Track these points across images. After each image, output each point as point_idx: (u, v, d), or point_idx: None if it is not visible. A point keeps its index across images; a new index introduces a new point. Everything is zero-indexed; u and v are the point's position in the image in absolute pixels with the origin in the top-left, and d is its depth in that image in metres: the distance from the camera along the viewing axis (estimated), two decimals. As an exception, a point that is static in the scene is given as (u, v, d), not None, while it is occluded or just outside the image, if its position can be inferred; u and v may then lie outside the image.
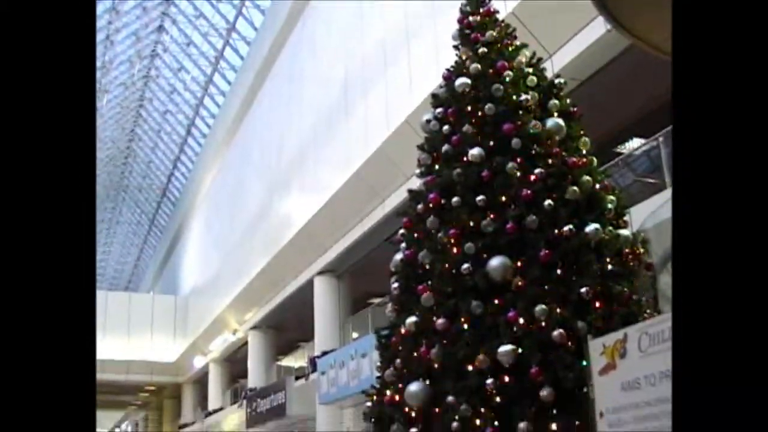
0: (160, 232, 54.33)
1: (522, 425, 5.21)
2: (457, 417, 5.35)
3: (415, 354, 5.81)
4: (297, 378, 23.89)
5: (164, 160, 47.51)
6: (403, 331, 6.00)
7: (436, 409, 5.55)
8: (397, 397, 5.86)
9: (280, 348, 29.74)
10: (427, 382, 5.64)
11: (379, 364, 6.40)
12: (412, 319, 5.90)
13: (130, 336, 41.95)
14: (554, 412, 5.27)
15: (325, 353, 20.65)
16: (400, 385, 5.81)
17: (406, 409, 5.74)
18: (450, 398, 5.45)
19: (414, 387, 5.61)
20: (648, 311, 5.46)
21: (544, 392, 5.27)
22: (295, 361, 28.50)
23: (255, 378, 29.15)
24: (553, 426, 5.22)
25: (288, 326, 27.68)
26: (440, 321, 5.67)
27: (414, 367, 5.79)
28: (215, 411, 35.60)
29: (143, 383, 45.64)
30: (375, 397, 6.26)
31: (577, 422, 5.13)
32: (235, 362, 35.26)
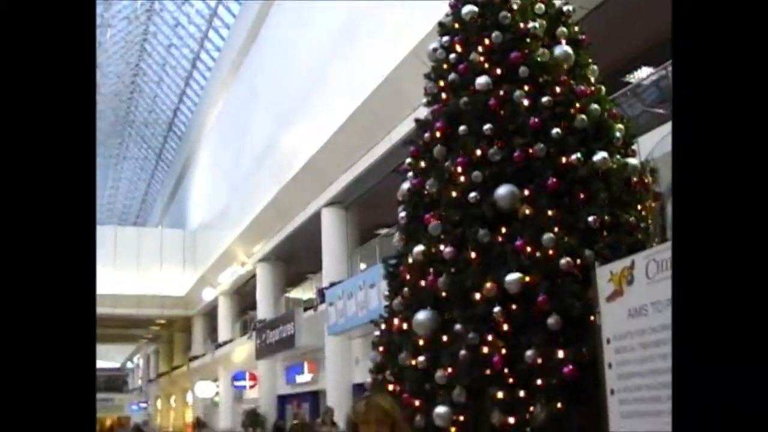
0: (167, 166, 54.31)
1: (529, 353, 5.26)
2: (464, 345, 5.40)
3: (423, 283, 5.83)
4: (306, 309, 24.08)
5: (170, 95, 47.19)
6: (410, 260, 6.02)
7: (444, 338, 5.59)
8: (404, 326, 5.90)
9: (288, 280, 29.95)
10: (435, 310, 5.67)
11: (386, 293, 6.43)
12: (419, 248, 5.91)
13: (139, 270, 42.24)
14: (561, 339, 5.33)
15: (333, 284, 20.78)
16: (408, 314, 5.85)
17: (414, 338, 5.79)
18: (457, 326, 5.50)
19: (421, 315, 5.65)
20: (656, 240, 5.46)
21: (551, 320, 5.30)
22: (303, 292, 28.69)
23: (264, 310, 29.41)
24: (560, 353, 5.27)
25: (296, 258, 27.82)
26: (447, 249, 5.69)
27: (421, 295, 5.82)
28: (225, 343, 36.02)
29: (154, 317, 46.15)
30: (383, 326, 6.31)
31: (583, 349, 5.18)
32: (244, 294, 35.56)
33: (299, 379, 26.04)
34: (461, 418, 5.34)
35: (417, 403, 5.56)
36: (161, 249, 44.33)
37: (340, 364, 20.01)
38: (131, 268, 41.85)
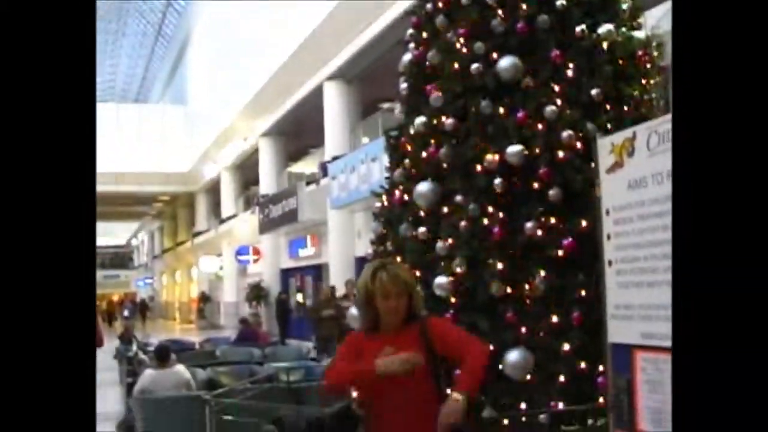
0: (167, 42, 53.49)
1: (529, 225, 5.31)
2: (464, 216, 5.45)
3: (424, 154, 5.83)
4: (308, 183, 24.23)
5: (167, -34, 46.09)
6: (411, 131, 6.00)
7: (444, 209, 5.63)
8: (405, 198, 5.94)
9: (291, 154, 30.01)
10: (436, 182, 5.69)
11: (388, 165, 6.45)
12: (420, 119, 5.89)
13: (142, 148, 42.25)
14: (561, 212, 5.37)
15: (335, 158, 20.84)
16: (409, 186, 5.88)
17: (415, 209, 5.84)
18: (458, 198, 5.53)
19: (422, 187, 5.68)
20: (660, 114, 5.43)
21: (551, 193, 5.33)
22: (306, 166, 28.79)
23: (267, 185, 29.59)
24: (560, 226, 5.32)
25: (299, 132, 27.79)
26: (449, 121, 5.67)
27: (422, 167, 5.83)
28: (228, 218, 36.39)
29: (157, 193, 46.45)
30: (384, 198, 6.35)
31: (583, 222, 5.24)
32: (246, 170, 35.69)
33: (302, 252, 26.43)
34: (461, 288, 5.44)
35: (417, 273, 5.64)
36: (163, 125, 44.22)
37: (343, 237, 20.26)
38: (134, 146, 41.86)
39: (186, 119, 43.93)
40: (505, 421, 5.16)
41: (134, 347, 11.20)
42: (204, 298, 41.37)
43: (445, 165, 5.70)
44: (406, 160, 6.04)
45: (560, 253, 5.29)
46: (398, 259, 5.81)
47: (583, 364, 5.22)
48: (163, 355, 8.86)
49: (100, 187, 40.55)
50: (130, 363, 9.63)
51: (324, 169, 22.42)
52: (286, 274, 29.24)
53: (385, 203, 6.31)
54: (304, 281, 27.32)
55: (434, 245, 5.58)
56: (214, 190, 41.69)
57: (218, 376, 10.06)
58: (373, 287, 3.63)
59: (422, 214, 5.79)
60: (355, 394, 4.77)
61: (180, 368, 8.85)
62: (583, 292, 5.22)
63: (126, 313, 38.91)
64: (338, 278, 19.23)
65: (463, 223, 5.45)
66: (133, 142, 42.24)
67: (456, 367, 3.78)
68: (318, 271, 25.20)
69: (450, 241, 5.50)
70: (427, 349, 3.53)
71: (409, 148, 6.05)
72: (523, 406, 5.23)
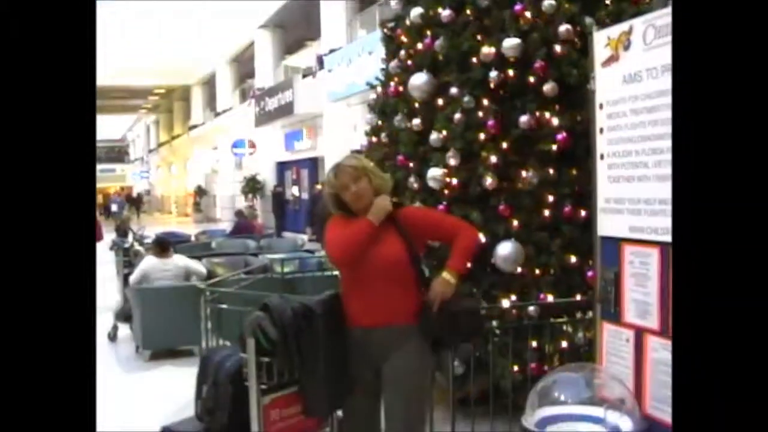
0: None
1: (523, 118, 5.31)
2: (459, 108, 5.44)
3: (420, 45, 5.77)
4: (304, 76, 23.98)
5: None
6: (408, 23, 5.93)
7: (439, 101, 5.62)
8: (401, 89, 5.91)
9: (287, 47, 29.59)
10: (431, 73, 5.65)
11: (384, 57, 6.39)
12: (417, 10, 5.80)
13: (137, 41, 41.45)
14: (556, 106, 5.36)
15: (332, 51, 20.58)
16: (405, 77, 5.84)
17: (410, 101, 5.82)
18: (453, 90, 5.51)
19: (417, 78, 5.64)
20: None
21: (547, 87, 5.32)
22: (302, 59, 28.40)
23: (263, 77, 29.29)
24: (555, 120, 5.32)
25: (295, 25, 27.31)
26: (446, 12, 5.59)
27: (418, 58, 5.78)
28: (224, 111, 36.13)
29: (152, 87, 45.90)
30: (379, 90, 6.31)
31: (578, 117, 5.23)
32: (242, 62, 35.24)
33: (298, 145, 26.35)
34: (454, 180, 5.47)
35: (411, 165, 5.67)
36: (159, 19, 43.31)
37: (339, 130, 20.16)
38: (128, 38, 41.11)
39: (182, 12, 43.12)
40: (495, 313, 5.27)
41: (130, 239, 11.28)
42: (200, 192, 41.44)
43: (440, 57, 5.65)
44: (402, 52, 5.99)
45: (554, 147, 5.31)
46: (392, 150, 5.83)
47: (573, 258, 5.31)
48: (164, 246, 8.97)
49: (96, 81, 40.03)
50: (126, 254, 9.72)
51: (320, 61, 22.16)
52: (281, 167, 29.20)
53: (380, 94, 6.28)
54: (300, 174, 27.32)
55: (428, 137, 5.59)
56: (209, 83, 41.22)
57: (214, 267, 10.17)
58: (333, 188, 3.71)
59: (417, 105, 5.77)
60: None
61: (179, 257, 8.97)
62: (576, 187, 5.28)
63: (114, 207, 36.98)
64: (334, 172, 19.20)
65: (457, 116, 5.44)
66: (127, 35, 41.49)
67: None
68: (314, 164, 25.19)
69: (444, 133, 5.51)
70: (402, 236, 3.58)
71: (405, 39, 5.99)
72: (513, 298, 5.34)
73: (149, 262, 8.57)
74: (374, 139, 6.20)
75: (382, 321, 3.55)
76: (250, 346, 3.71)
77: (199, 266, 9.08)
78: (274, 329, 3.59)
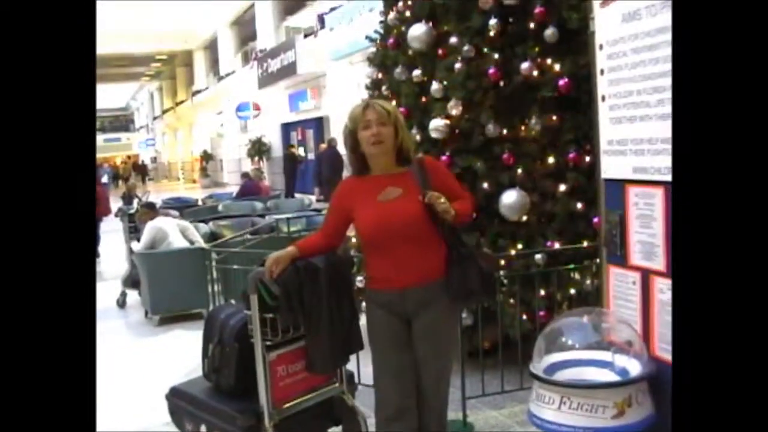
0: None
1: (524, 65, 5.23)
2: (459, 58, 5.36)
3: (418, -5, 5.69)
4: (306, 36, 23.83)
5: None
6: (405, -28, 5.84)
7: (439, 51, 5.54)
8: (400, 41, 5.82)
9: (288, 7, 29.34)
10: (430, 23, 5.57)
11: (382, 10, 6.29)
12: (414, -40, 5.71)
13: (136, 6, 41.16)
14: (557, 52, 5.28)
15: (333, 10, 20.41)
16: (404, 28, 5.75)
17: (410, 52, 5.73)
18: (453, 39, 5.43)
19: (417, 29, 5.55)
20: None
21: (547, 32, 5.23)
22: (303, 20, 28.15)
23: (264, 39, 29.13)
24: (556, 66, 5.24)
25: (294, -16, 27.08)
26: (442, -39, 5.50)
27: (417, 9, 5.69)
28: (227, 75, 35.98)
29: (154, 53, 45.69)
30: (378, 42, 6.23)
31: (579, 62, 5.15)
32: (243, 25, 35.04)
33: (302, 106, 26.27)
34: (456, 130, 5.41)
35: (413, 116, 5.60)
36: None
37: (343, 89, 20.04)
38: (127, 4, 40.80)
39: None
40: (502, 262, 5.24)
41: (135, 205, 11.28)
42: (206, 157, 41.41)
43: (439, 6, 5.56)
44: (400, 3, 5.89)
45: (556, 93, 5.24)
46: (393, 102, 5.76)
47: (579, 205, 5.26)
48: (151, 206, 9.09)
49: (97, 49, 39.84)
50: (131, 220, 9.71)
51: (321, 21, 22.02)
52: (287, 128, 29.13)
53: (380, 47, 6.20)
54: (305, 134, 27.24)
55: (429, 88, 5.52)
56: (212, 47, 41.06)
57: (220, 229, 10.19)
58: (353, 122, 3.52)
59: (417, 56, 5.69)
60: (354, 239, 4.84)
61: (169, 218, 8.99)
62: (580, 133, 5.21)
63: (104, 179, 34.14)
64: (339, 130, 19.13)
65: (457, 65, 5.36)
66: (126, 1, 41.25)
67: None
68: (319, 124, 25.11)
69: (445, 83, 5.43)
70: (425, 187, 3.45)
71: (403, -12, 5.88)
72: (519, 246, 5.31)
73: (153, 226, 8.55)
74: (375, 92, 6.12)
75: (411, 282, 3.48)
76: (253, 302, 3.69)
77: (184, 221, 9.20)
78: (276, 284, 3.56)
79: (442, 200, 3.39)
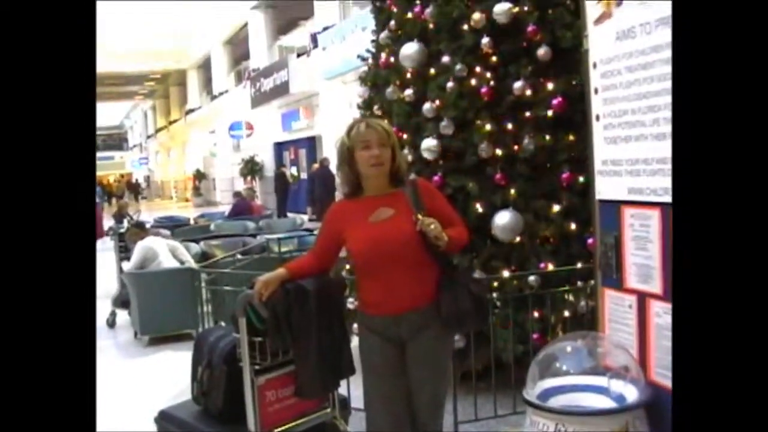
0: None
1: (517, 84, 5.19)
2: (452, 77, 5.31)
3: (410, 14, 5.64)
4: (299, 55, 23.87)
5: None
6: (397, -9, 5.80)
7: (431, 70, 5.49)
8: (392, 60, 5.78)
9: (280, 27, 29.40)
10: (422, 42, 5.52)
11: (374, 29, 6.25)
12: (406, -22, 5.67)
13: (130, 26, 41.19)
14: (550, 71, 5.23)
15: (326, 29, 20.44)
16: (395, 48, 5.70)
17: (402, 71, 5.68)
18: (445, 58, 5.38)
19: (408, 48, 5.51)
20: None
21: (540, 51, 5.19)
22: (296, 39, 28.23)
23: (257, 58, 29.15)
24: (549, 85, 5.19)
25: (288, 4, 27.09)
26: (434, -21, 5.46)
27: (409, 28, 5.64)
28: (220, 94, 36.00)
29: (148, 72, 45.75)
30: (370, 62, 6.19)
31: (573, 81, 5.11)
32: (237, 44, 35.09)
33: (295, 125, 26.27)
34: (449, 150, 5.35)
35: (405, 136, 5.55)
36: (152, 3, 43.03)
37: (335, 108, 20.04)
38: (121, 24, 40.81)
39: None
40: (495, 284, 5.17)
41: (125, 224, 11.20)
42: (199, 176, 41.34)
43: (431, 25, 5.52)
44: (392, 22, 5.85)
45: (549, 113, 5.19)
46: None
47: (573, 225, 5.20)
48: (140, 225, 9.07)
49: (89, 66, 39.86)
50: (121, 239, 9.63)
51: (314, 40, 22.05)
52: (279, 147, 29.10)
53: (372, 67, 6.15)
54: (298, 154, 27.21)
55: (421, 107, 5.46)
56: (205, 66, 41.05)
57: (212, 249, 10.11)
58: (352, 140, 3.43)
59: (409, 76, 5.65)
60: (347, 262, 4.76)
61: (157, 238, 8.93)
62: (574, 153, 5.16)
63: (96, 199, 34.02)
64: (332, 150, 19.15)
65: (450, 84, 5.31)
66: (120, 19, 41.20)
67: None
68: (312, 144, 25.08)
69: (437, 102, 5.39)
70: (417, 210, 3.37)
71: (394, 9, 5.84)
72: (512, 267, 5.24)
73: (143, 246, 8.47)
74: (367, 112, 6.07)
75: (405, 307, 3.40)
76: (242, 325, 3.61)
77: (173, 241, 9.12)
78: (265, 307, 3.48)
79: (433, 226, 3.30)
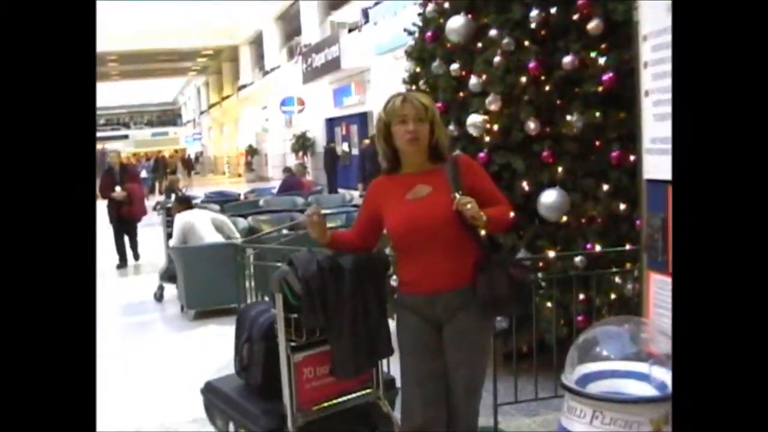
0: None
1: (567, 59, 5.05)
2: (499, 51, 5.19)
3: (457, -14, 5.53)
4: (350, 30, 23.79)
5: None
6: (444, -37, 5.67)
7: (478, 44, 5.38)
8: (439, 34, 5.67)
9: (332, 2, 29.33)
10: (469, 15, 5.40)
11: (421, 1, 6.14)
12: (453, -50, 5.55)
13: (183, 2, 41.51)
14: (601, 45, 5.08)
15: (377, 3, 20.35)
16: (442, 21, 5.60)
17: (448, 45, 5.58)
18: (492, 32, 5.26)
19: (455, 21, 5.39)
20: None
21: (591, 25, 5.04)
22: (348, 14, 28.10)
23: (309, 34, 29.15)
24: (600, 60, 5.05)
25: (340, -21, 27.07)
26: (482, -50, 5.33)
27: (455, 1, 5.53)
28: (272, 70, 36.11)
29: (201, 48, 46.06)
30: (417, 35, 6.09)
31: (625, 56, 4.94)
32: (289, 20, 35.13)
33: (346, 101, 26.24)
34: (495, 126, 5.24)
35: (450, 112, 5.45)
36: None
37: (387, 84, 19.91)
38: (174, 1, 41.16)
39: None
40: (540, 264, 5.06)
41: (173, 198, 11.30)
42: (251, 151, 41.61)
43: (478, -3, 5.41)
44: (440, -7, 5.73)
45: (600, 88, 5.04)
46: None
47: (621, 206, 5.06)
48: (185, 201, 9.15)
49: (143, 45, 40.33)
50: (168, 214, 9.70)
51: (366, 15, 21.97)
52: (331, 123, 29.14)
53: (418, 40, 6.05)
54: (349, 130, 27.18)
55: (467, 82, 5.35)
56: (257, 42, 41.21)
57: (259, 224, 10.14)
58: (388, 114, 3.34)
59: (455, 50, 5.53)
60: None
61: (204, 211, 8.99)
62: (624, 130, 5.01)
63: (144, 173, 31.06)
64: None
65: (497, 59, 5.19)
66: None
67: None
68: (363, 119, 25.01)
69: (484, 77, 5.27)
70: (456, 188, 3.26)
71: (442, -19, 5.73)
72: (558, 248, 5.13)
73: (182, 220, 8.51)
74: (413, 87, 5.97)
75: (441, 287, 3.31)
76: (278, 301, 3.58)
77: (221, 216, 9.19)
78: (299, 284, 3.43)
79: (470, 206, 3.19)
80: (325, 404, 3.80)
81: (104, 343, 7.75)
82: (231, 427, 4.11)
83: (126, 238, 12.34)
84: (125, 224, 12.19)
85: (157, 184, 32.27)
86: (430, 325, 3.38)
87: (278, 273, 3.58)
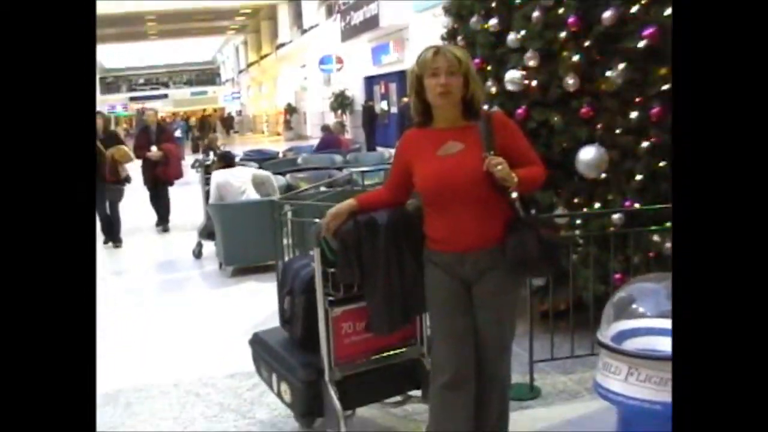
0: None
1: (607, 14, 4.94)
2: (538, 6, 5.13)
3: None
4: (388, -13, 23.60)
5: None
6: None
7: (517, 0, 5.31)
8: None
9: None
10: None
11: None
12: None
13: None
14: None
15: (416, -39, 20.13)
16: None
17: (486, 1, 5.52)
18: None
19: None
20: None
21: (633, -22, 4.95)
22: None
23: (348, -8, 28.93)
24: (641, 14, 4.95)
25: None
26: None
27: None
28: (311, 28, 35.98)
29: (238, 7, 45.93)
30: None
31: (668, 9, 4.85)
32: (327, -23, 34.91)
33: (385, 59, 26.10)
34: (533, 82, 5.18)
35: (489, 68, 5.40)
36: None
37: (425, 41, 19.69)
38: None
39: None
40: (578, 221, 5.03)
41: (211, 156, 11.31)
42: (290, 110, 41.65)
43: (518, -49, 5.32)
44: (478, -51, 5.66)
45: (641, 44, 4.95)
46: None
47: (661, 163, 4.99)
48: (226, 158, 9.13)
49: (181, 4, 40.31)
50: (207, 172, 9.75)
51: (405, -28, 21.80)
52: (370, 81, 29.05)
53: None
54: (388, 88, 27.09)
55: (506, 38, 5.29)
56: (295, 0, 41.09)
57: (297, 181, 10.17)
58: (420, 67, 3.26)
59: (493, 5, 5.47)
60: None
61: (245, 168, 9.03)
62: (665, 86, 4.92)
63: (178, 133, 30.32)
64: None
65: (536, 14, 5.12)
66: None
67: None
68: (402, 77, 24.87)
69: (522, 33, 5.21)
70: (488, 146, 3.19)
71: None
72: (596, 205, 5.09)
73: (218, 178, 8.57)
74: (451, 42, 5.92)
75: (469, 246, 3.26)
76: (316, 256, 3.60)
77: (265, 172, 9.20)
78: (335, 239, 3.45)
79: (500, 167, 3.12)
80: (365, 359, 3.83)
81: (143, 298, 7.88)
82: (274, 378, 4.16)
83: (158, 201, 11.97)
84: (159, 186, 11.79)
85: (199, 144, 32.43)
86: (459, 283, 3.34)
87: (316, 227, 3.60)
